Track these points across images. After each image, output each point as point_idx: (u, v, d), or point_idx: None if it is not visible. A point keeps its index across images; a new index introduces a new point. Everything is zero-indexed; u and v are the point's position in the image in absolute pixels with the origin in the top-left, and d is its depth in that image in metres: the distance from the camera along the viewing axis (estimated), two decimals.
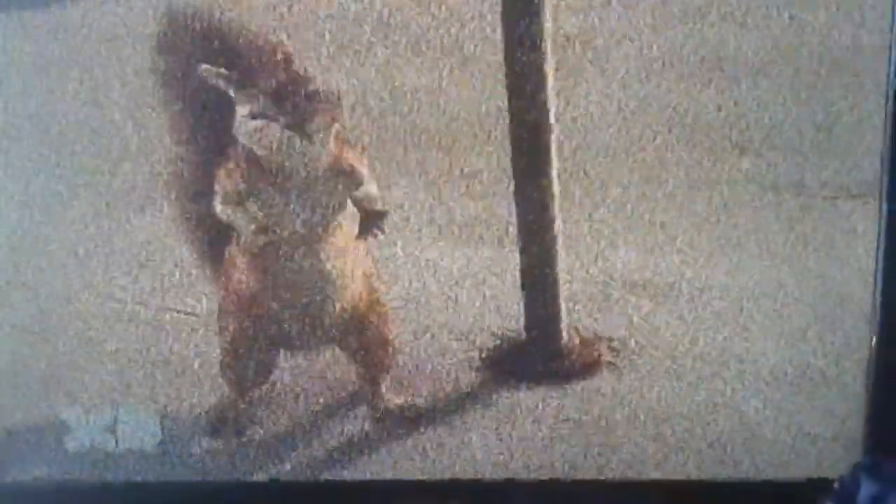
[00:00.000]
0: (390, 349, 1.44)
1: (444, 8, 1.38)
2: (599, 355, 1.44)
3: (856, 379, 1.42)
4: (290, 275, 1.39)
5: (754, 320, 1.42)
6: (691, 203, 1.42)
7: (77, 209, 1.42)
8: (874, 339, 1.40)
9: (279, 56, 1.36)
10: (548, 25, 1.37)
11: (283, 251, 1.39)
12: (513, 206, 1.41)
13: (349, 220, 1.40)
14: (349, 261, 1.41)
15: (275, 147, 1.36)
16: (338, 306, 1.41)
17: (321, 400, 1.45)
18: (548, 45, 1.38)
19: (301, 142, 1.36)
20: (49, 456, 1.45)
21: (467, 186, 1.42)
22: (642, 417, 1.44)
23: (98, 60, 1.39)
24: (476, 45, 1.39)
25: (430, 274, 1.43)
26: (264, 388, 1.44)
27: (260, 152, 1.36)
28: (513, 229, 1.42)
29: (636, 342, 1.44)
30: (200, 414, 1.45)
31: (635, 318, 1.43)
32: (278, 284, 1.40)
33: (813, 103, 1.39)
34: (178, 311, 1.44)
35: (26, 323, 1.44)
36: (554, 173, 1.40)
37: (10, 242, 1.42)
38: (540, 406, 1.44)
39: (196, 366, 1.45)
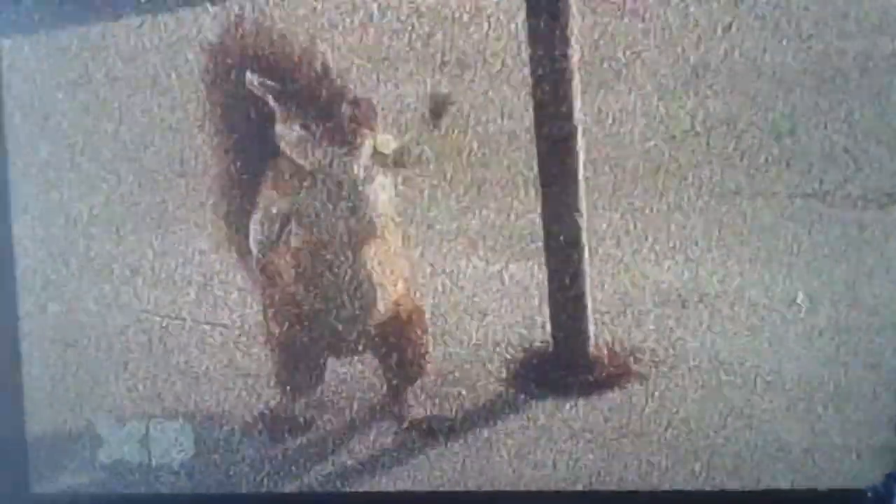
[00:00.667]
0: (423, 360, 1.44)
1: (471, 21, 1.40)
2: (627, 367, 1.43)
3: (886, 389, 1.40)
4: (333, 281, 1.41)
5: (782, 331, 1.41)
6: (719, 214, 1.41)
7: (112, 223, 1.44)
8: None
9: (318, 66, 1.39)
10: (574, 37, 1.38)
11: (325, 258, 1.41)
12: (540, 218, 1.42)
13: (390, 227, 1.42)
14: (390, 267, 1.42)
15: (315, 156, 1.38)
16: (379, 312, 1.42)
17: (348, 411, 1.46)
18: (574, 58, 1.39)
19: (340, 150, 1.38)
20: (82, 468, 1.46)
21: (495, 198, 1.42)
22: (670, 428, 1.43)
23: (138, 79, 1.42)
24: (503, 59, 1.40)
25: (456, 285, 1.43)
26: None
27: (300, 161, 1.39)
28: (539, 241, 1.42)
29: (664, 353, 1.43)
30: (233, 428, 1.46)
31: (663, 330, 1.43)
32: (322, 291, 1.41)
33: (840, 113, 1.39)
34: (210, 324, 1.45)
35: (61, 335, 1.46)
36: (581, 185, 1.41)
37: (47, 255, 1.45)
38: (568, 418, 1.44)
39: (228, 379, 1.46)
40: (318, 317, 1.42)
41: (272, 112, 1.39)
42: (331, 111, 1.38)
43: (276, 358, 1.44)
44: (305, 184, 1.39)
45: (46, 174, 1.43)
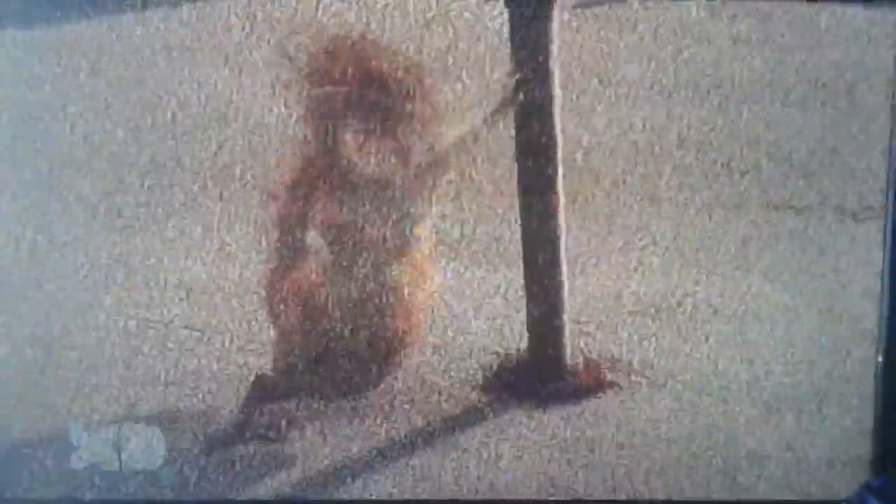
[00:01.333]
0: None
1: (451, 29, 1.40)
2: (603, 376, 1.43)
3: (862, 400, 1.40)
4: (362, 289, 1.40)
5: (760, 341, 1.41)
6: (698, 224, 1.42)
7: (87, 226, 1.44)
8: (880, 360, 1.39)
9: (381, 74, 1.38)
10: (556, 46, 1.39)
11: (352, 269, 1.40)
12: (519, 227, 1.42)
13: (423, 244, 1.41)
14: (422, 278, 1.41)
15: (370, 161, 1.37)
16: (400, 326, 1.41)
17: (320, 418, 1.45)
18: (556, 66, 1.39)
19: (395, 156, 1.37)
20: (54, 474, 1.44)
21: (474, 206, 1.42)
22: (645, 438, 1.42)
23: (131, 78, 1.42)
24: (484, 67, 1.40)
25: (434, 292, 1.43)
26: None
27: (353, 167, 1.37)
28: (518, 249, 1.42)
29: (640, 363, 1.43)
30: (206, 434, 1.44)
31: (640, 339, 1.43)
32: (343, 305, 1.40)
33: (820, 126, 1.40)
34: (186, 328, 1.44)
35: (33, 339, 1.44)
36: (561, 193, 1.41)
37: (21, 256, 1.44)
38: (542, 426, 1.43)
39: (202, 384, 1.45)
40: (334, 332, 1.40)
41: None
42: (390, 117, 1.36)
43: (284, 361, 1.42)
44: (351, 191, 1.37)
45: (22, 174, 1.42)
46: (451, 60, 1.38)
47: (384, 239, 1.38)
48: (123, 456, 1.43)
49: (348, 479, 1.43)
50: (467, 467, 1.43)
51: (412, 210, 1.38)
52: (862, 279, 1.40)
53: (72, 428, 1.43)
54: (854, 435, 1.40)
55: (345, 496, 1.43)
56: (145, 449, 1.43)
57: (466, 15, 1.40)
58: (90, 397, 1.44)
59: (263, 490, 1.43)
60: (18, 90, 1.41)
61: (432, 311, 1.42)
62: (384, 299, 1.39)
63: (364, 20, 1.38)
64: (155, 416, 1.44)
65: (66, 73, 1.41)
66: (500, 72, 1.39)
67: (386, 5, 1.38)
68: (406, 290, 1.39)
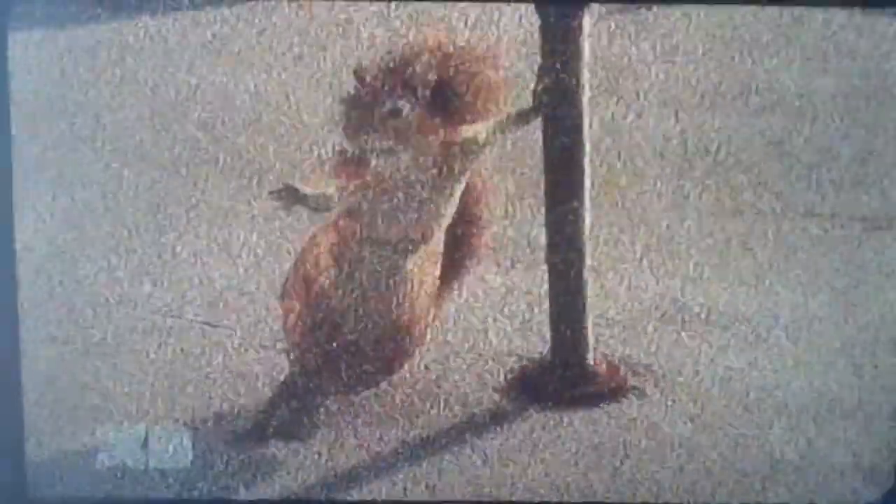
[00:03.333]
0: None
1: (480, 32, 1.41)
2: (626, 381, 1.43)
3: (883, 407, 1.39)
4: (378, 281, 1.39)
5: (783, 349, 1.41)
6: (723, 231, 1.42)
7: (116, 224, 1.45)
8: None
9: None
10: (585, 52, 1.39)
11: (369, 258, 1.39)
12: (543, 230, 1.42)
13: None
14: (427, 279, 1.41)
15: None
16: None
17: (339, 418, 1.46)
18: (584, 72, 1.39)
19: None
20: (81, 473, 1.45)
21: (499, 210, 1.43)
22: (667, 443, 1.42)
23: (153, 77, 1.43)
24: (512, 70, 1.41)
25: (456, 293, 1.43)
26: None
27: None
28: (542, 253, 1.42)
29: (663, 368, 1.43)
30: (233, 433, 1.45)
31: (663, 345, 1.43)
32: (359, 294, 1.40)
33: (849, 135, 1.39)
34: (213, 326, 1.45)
35: (60, 336, 1.46)
36: (586, 198, 1.41)
37: (48, 255, 1.45)
38: (564, 429, 1.43)
39: (229, 383, 1.46)
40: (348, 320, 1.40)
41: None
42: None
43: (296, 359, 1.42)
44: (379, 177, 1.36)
45: (50, 172, 1.44)
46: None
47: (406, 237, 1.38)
48: (150, 455, 1.44)
49: (367, 480, 1.43)
50: (487, 469, 1.43)
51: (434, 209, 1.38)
52: (888, 288, 1.39)
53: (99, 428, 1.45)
54: (876, 441, 1.40)
55: (363, 497, 1.43)
56: (172, 448, 1.45)
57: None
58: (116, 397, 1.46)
59: (284, 489, 1.44)
60: (64, 89, 1.43)
61: (454, 313, 1.43)
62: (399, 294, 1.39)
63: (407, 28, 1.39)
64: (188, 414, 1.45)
65: (107, 72, 1.43)
66: (529, 76, 1.40)
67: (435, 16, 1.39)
68: (416, 286, 1.39)
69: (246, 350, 1.45)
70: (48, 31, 1.42)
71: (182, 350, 1.46)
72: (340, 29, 1.42)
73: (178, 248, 1.45)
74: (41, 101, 1.42)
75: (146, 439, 1.45)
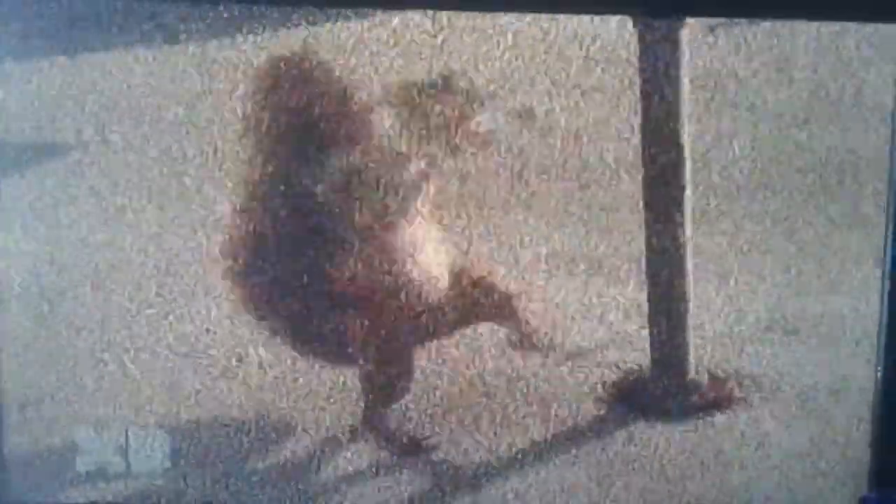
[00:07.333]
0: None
1: (581, 48, 1.41)
2: (729, 392, 1.41)
3: None
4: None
5: (890, 361, 1.38)
6: (826, 242, 1.40)
7: (93, 230, 1.43)
8: None
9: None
10: (685, 63, 1.39)
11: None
12: (643, 241, 1.42)
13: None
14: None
15: None
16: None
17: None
18: (685, 83, 1.40)
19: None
20: (60, 477, 1.43)
21: (598, 219, 1.43)
22: (771, 456, 1.40)
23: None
24: (613, 84, 1.41)
25: (555, 306, 1.43)
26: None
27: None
28: (640, 263, 1.42)
29: (768, 380, 1.41)
30: (213, 437, 1.43)
31: (767, 356, 1.41)
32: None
33: None
34: (194, 331, 1.43)
35: (38, 341, 1.43)
36: (687, 209, 1.41)
37: (25, 260, 1.43)
38: (664, 441, 1.42)
39: (209, 386, 1.44)
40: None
41: None
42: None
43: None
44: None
45: (31, 180, 1.43)
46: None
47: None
48: (130, 459, 1.43)
49: (464, 492, 1.42)
50: (585, 481, 1.41)
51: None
52: None
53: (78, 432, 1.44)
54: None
55: None
56: (151, 452, 1.44)
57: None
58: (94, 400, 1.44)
59: (270, 495, 1.43)
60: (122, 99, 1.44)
61: (555, 324, 1.43)
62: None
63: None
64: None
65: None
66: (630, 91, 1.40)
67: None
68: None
69: (226, 354, 1.43)
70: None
71: (159, 354, 1.44)
72: None
73: (157, 253, 1.42)
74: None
75: (125, 443, 1.44)
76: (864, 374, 1.40)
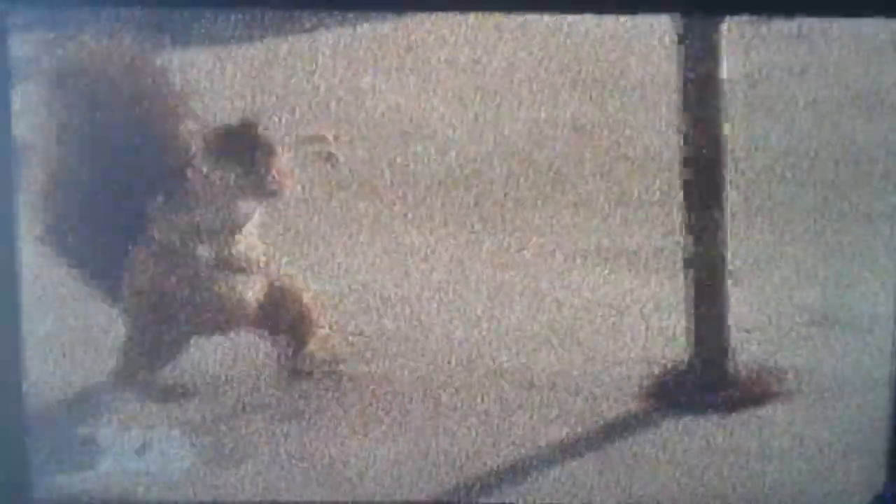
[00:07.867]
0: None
1: (622, 47, 1.43)
2: (769, 386, 1.40)
3: None
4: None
5: None
6: (867, 236, 1.39)
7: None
8: None
9: None
10: (724, 58, 1.39)
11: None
12: (681, 236, 1.41)
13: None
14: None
15: None
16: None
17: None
18: (724, 78, 1.40)
19: None
20: (81, 476, 1.43)
21: (636, 216, 1.43)
22: (812, 449, 1.38)
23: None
24: (652, 80, 1.42)
25: (594, 301, 1.43)
26: None
27: None
28: (679, 258, 1.42)
29: (809, 374, 1.39)
30: (230, 438, 1.44)
31: (808, 350, 1.39)
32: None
33: None
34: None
35: (62, 342, 1.45)
36: (727, 206, 1.41)
37: (51, 258, 1.46)
38: (705, 435, 1.40)
39: (228, 389, 1.46)
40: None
41: None
42: None
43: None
44: None
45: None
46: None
47: None
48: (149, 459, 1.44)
49: (504, 485, 1.41)
50: (625, 474, 1.40)
51: None
52: None
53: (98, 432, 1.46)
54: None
55: (500, 501, 1.42)
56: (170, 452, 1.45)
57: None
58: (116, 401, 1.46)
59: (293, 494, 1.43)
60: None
61: (593, 319, 1.43)
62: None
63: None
64: None
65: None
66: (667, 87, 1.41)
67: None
68: None
69: (244, 357, 1.46)
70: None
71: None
72: None
73: None
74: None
75: (145, 444, 1.44)
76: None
